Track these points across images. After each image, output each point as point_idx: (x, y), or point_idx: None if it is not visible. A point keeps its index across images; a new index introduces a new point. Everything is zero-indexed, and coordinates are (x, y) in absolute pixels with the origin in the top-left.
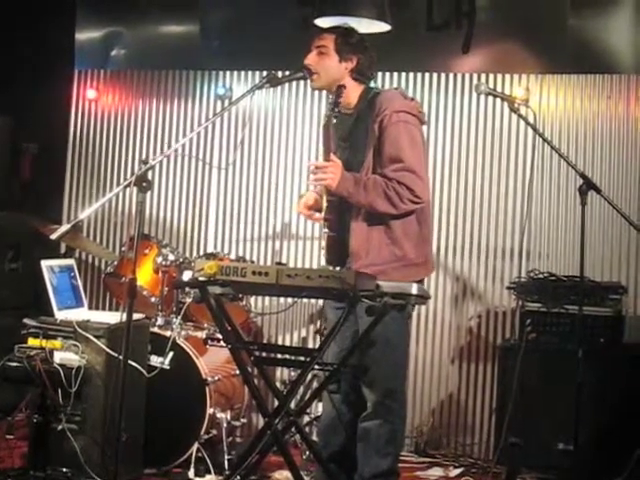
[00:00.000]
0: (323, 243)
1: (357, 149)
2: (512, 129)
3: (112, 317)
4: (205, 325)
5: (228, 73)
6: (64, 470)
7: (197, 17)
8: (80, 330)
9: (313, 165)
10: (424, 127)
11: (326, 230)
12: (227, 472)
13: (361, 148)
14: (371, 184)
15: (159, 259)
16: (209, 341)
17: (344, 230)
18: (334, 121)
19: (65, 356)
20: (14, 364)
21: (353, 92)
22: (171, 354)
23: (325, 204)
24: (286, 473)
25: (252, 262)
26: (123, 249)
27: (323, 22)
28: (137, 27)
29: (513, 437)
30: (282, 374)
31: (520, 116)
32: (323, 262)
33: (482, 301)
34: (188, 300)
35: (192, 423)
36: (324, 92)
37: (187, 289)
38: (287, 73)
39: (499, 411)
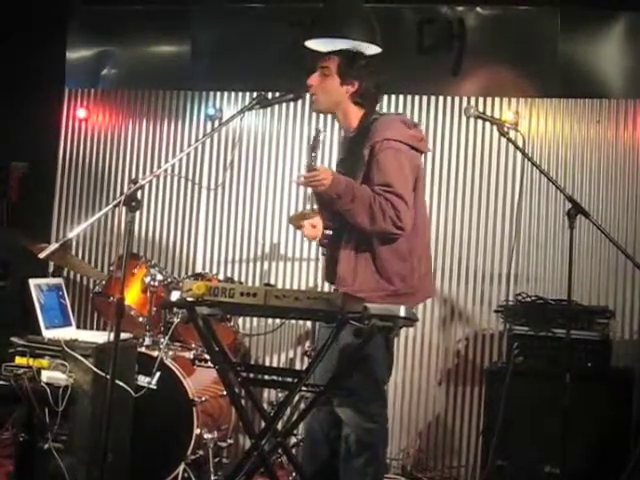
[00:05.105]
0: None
1: (350, 173)
2: (501, 153)
3: (100, 336)
4: (193, 345)
5: (218, 94)
6: None
7: (188, 38)
8: (68, 349)
9: (302, 176)
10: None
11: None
12: None
13: (352, 173)
14: (359, 192)
15: (147, 279)
16: (197, 361)
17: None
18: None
19: (52, 375)
20: (1, 382)
21: (353, 116)
22: (158, 374)
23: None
24: None
25: (240, 283)
26: (111, 268)
27: (313, 44)
28: (128, 47)
29: (500, 460)
30: (269, 395)
31: (509, 140)
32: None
33: (470, 324)
34: (176, 320)
35: (179, 443)
36: (314, 114)
37: (175, 309)
38: (277, 94)
39: (486, 434)
